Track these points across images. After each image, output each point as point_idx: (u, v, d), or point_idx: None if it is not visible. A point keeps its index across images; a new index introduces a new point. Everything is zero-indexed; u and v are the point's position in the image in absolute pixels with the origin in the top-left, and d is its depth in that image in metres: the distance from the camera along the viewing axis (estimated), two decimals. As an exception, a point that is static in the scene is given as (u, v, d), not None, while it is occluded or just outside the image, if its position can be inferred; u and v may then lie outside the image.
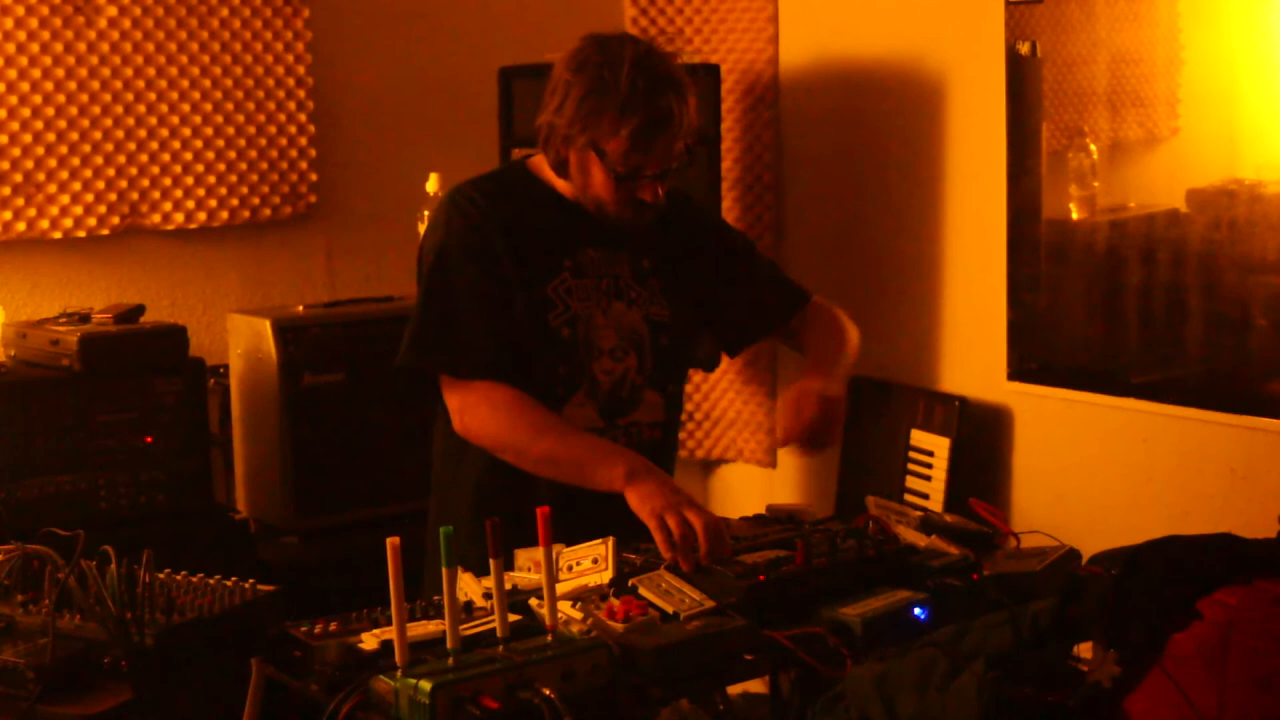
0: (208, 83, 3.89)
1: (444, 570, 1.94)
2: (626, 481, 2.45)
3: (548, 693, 1.88)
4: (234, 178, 3.95)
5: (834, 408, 2.62)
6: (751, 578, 2.26)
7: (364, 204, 4.21)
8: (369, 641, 2.06)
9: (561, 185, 2.69)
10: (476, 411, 2.60)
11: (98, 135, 3.73)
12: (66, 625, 2.08)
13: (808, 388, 2.62)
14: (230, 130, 3.93)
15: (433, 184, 3.71)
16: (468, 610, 2.18)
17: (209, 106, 3.89)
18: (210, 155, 3.90)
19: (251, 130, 3.96)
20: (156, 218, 3.85)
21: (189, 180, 3.88)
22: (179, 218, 3.87)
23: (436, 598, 2.23)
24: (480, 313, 2.61)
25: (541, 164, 2.73)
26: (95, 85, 3.72)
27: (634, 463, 2.49)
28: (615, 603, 2.14)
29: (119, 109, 3.76)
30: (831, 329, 2.90)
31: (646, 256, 2.75)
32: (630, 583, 2.23)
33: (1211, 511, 3.40)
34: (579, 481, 2.52)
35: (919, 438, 3.98)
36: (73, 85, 3.68)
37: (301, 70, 4.04)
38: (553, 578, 2.08)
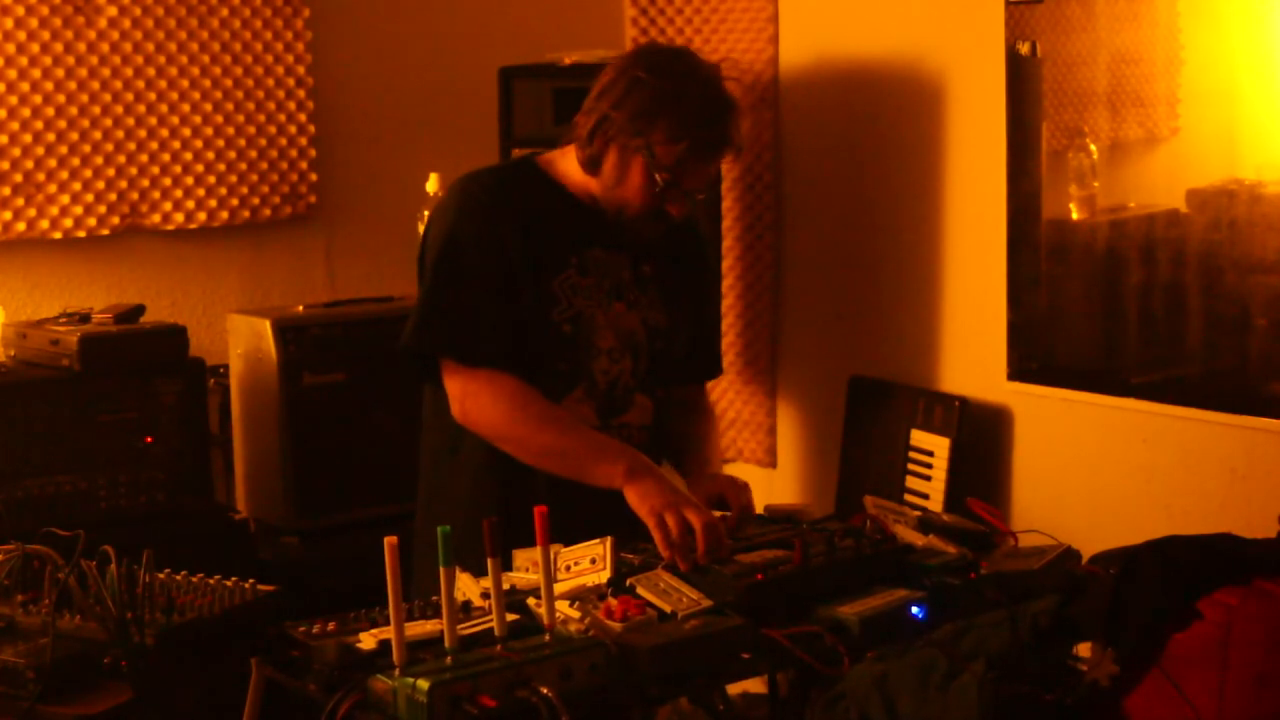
0: (208, 83, 3.89)
1: (441, 569, 1.95)
2: (626, 479, 2.45)
3: (545, 691, 1.88)
4: (234, 178, 3.95)
5: (715, 531, 2.42)
6: (749, 577, 2.26)
7: (364, 204, 4.21)
8: (367, 641, 2.06)
9: (574, 183, 2.69)
10: (479, 399, 2.60)
11: (98, 135, 3.73)
12: (66, 625, 2.08)
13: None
14: (230, 130, 3.93)
15: (433, 184, 3.71)
16: (465, 610, 2.18)
17: (209, 106, 3.90)
18: (210, 155, 3.91)
19: (251, 130, 3.97)
20: (156, 218, 3.85)
21: (189, 180, 3.88)
22: (179, 218, 3.88)
23: (434, 598, 2.23)
24: (488, 300, 2.61)
25: (552, 161, 2.73)
26: (95, 85, 3.72)
27: (635, 460, 2.49)
28: (613, 602, 2.14)
29: (119, 109, 3.76)
30: (709, 423, 2.91)
31: (647, 263, 2.75)
32: (628, 582, 2.24)
33: (1211, 511, 3.39)
34: (578, 476, 2.52)
35: (919, 438, 3.98)
36: (73, 85, 3.69)
37: (301, 70, 4.04)
38: (550, 577, 2.08)
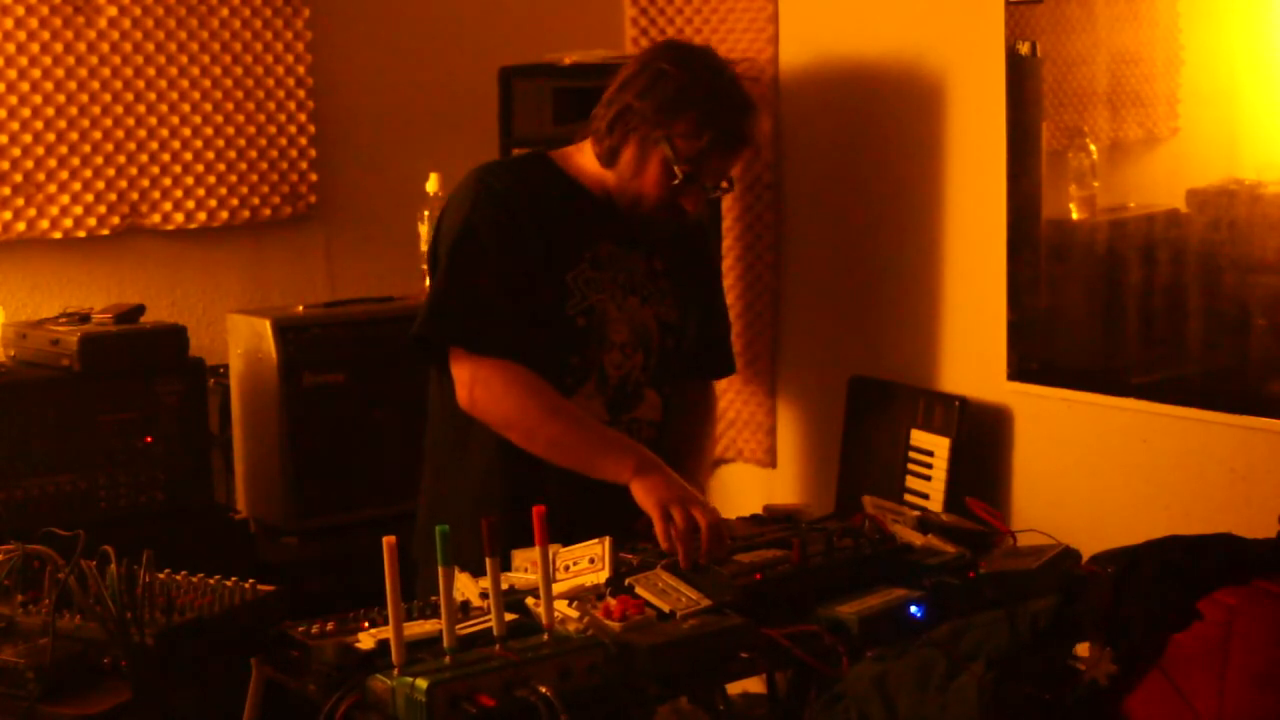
0: (208, 83, 3.89)
1: (440, 569, 1.95)
2: (635, 473, 2.46)
3: (544, 691, 1.89)
4: (234, 178, 3.95)
5: (719, 531, 2.43)
6: (748, 577, 2.27)
7: (364, 204, 4.21)
8: (366, 641, 2.06)
9: (588, 178, 2.69)
10: (489, 385, 2.58)
11: (98, 135, 3.74)
12: (66, 625, 2.08)
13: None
14: (230, 130, 3.94)
15: (433, 184, 3.71)
16: (464, 610, 2.18)
17: (209, 106, 3.90)
18: (210, 155, 3.91)
19: (251, 130, 3.97)
20: (156, 218, 3.85)
21: (189, 180, 3.88)
22: (179, 218, 3.88)
23: (434, 598, 2.23)
24: (503, 289, 2.60)
25: (566, 155, 2.74)
26: (95, 85, 3.72)
27: (643, 456, 2.50)
28: (612, 602, 2.14)
29: (119, 109, 3.76)
30: (709, 426, 2.94)
31: (659, 258, 2.76)
32: (627, 582, 2.24)
33: (1211, 511, 3.39)
34: (585, 469, 2.52)
35: (919, 438, 3.98)
36: (73, 85, 3.69)
37: (301, 70, 4.04)
38: (549, 576, 2.08)
